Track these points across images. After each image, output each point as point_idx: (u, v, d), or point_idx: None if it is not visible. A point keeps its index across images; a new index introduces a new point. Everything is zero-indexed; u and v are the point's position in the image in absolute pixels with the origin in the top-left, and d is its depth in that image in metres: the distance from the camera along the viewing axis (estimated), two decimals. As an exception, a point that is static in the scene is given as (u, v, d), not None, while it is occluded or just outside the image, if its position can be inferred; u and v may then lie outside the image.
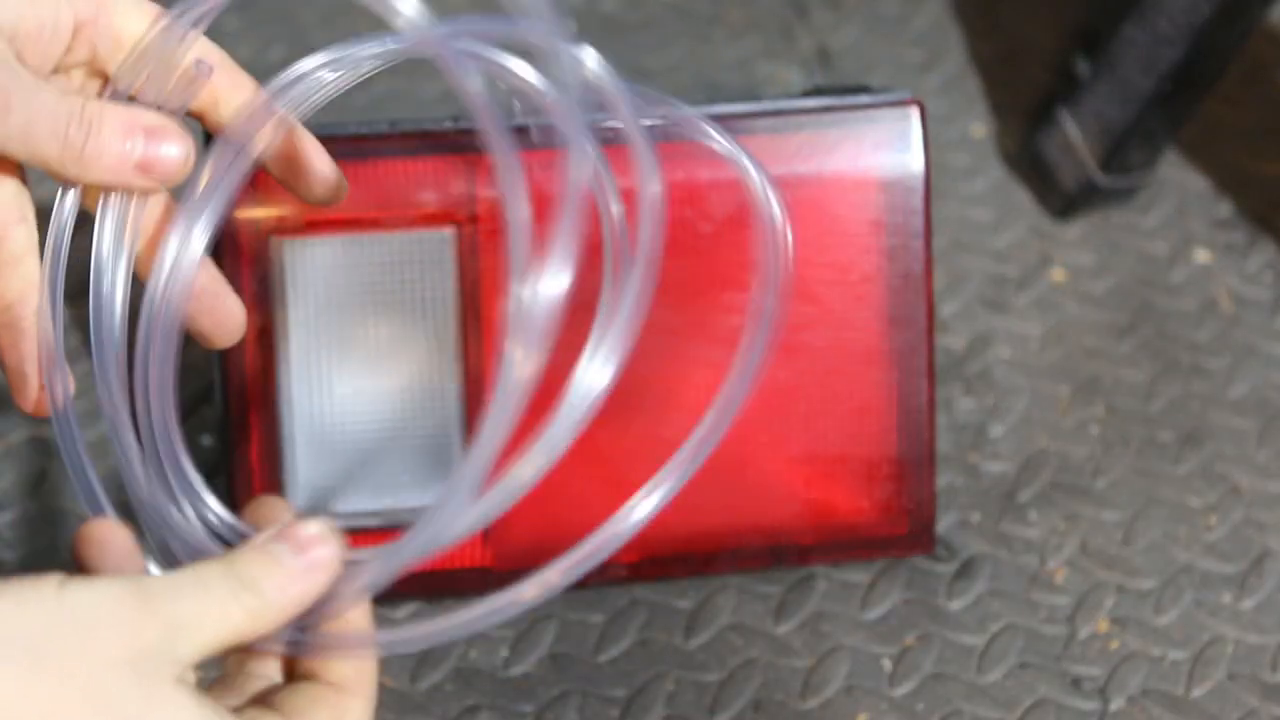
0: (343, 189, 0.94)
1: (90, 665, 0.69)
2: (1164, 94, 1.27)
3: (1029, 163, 1.35)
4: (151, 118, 0.87)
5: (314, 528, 0.78)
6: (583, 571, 0.80)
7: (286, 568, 0.77)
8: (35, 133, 0.83)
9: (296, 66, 0.93)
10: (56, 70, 0.87)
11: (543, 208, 1.08)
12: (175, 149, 0.87)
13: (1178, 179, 1.36)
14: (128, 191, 0.88)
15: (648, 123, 1.08)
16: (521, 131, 1.07)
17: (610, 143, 1.08)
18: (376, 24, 1.42)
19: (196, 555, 0.82)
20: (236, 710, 0.76)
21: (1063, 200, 1.33)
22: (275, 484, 1.08)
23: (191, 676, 0.73)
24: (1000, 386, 1.25)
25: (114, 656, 0.70)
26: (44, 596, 0.70)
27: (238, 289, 1.06)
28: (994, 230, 1.33)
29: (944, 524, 1.17)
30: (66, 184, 0.88)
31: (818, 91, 1.11)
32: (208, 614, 0.73)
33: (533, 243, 0.80)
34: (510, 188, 0.77)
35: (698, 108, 1.09)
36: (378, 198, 1.06)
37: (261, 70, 1.38)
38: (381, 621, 1.11)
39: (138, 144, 0.86)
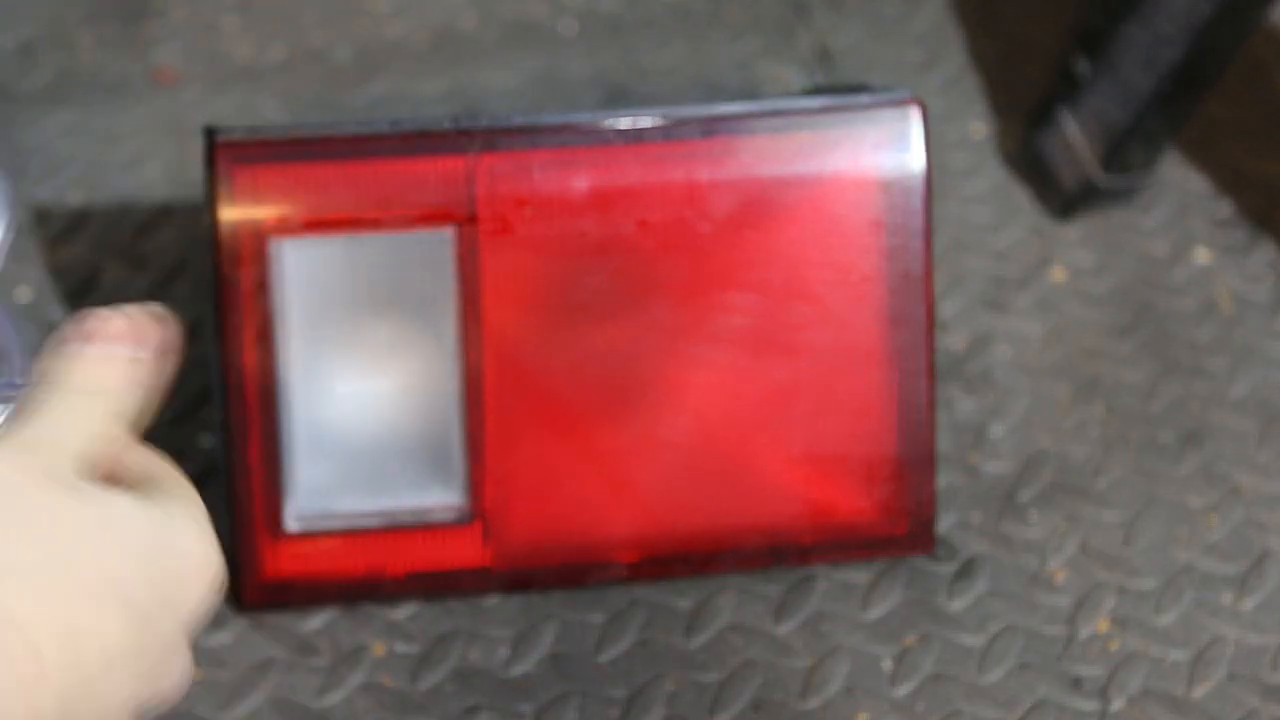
0: None
1: None
2: (1164, 94, 1.27)
3: (1029, 163, 1.35)
4: None
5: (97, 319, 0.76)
6: None
7: (85, 357, 0.76)
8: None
9: None
10: None
11: (543, 207, 1.08)
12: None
13: (1178, 179, 1.36)
14: None
15: (647, 124, 1.08)
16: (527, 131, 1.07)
17: (598, 144, 1.08)
18: (376, 25, 1.43)
19: None
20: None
21: (1063, 200, 1.33)
22: (275, 484, 1.08)
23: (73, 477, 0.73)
24: (1000, 386, 1.25)
25: None
26: None
27: (238, 289, 1.06)
28: (994, 230, 1.33)
29: (944, 524, 1.17)
30: None
31: (818, 91, 1.11)
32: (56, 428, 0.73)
33: None
34: None
35: (698, 107, 1.09)
36: (378, 198, 1.06)
37: (261, 70, 1.39)
38: (381, 619, 1.12)
39: None
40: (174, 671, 0.73)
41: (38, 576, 0.68)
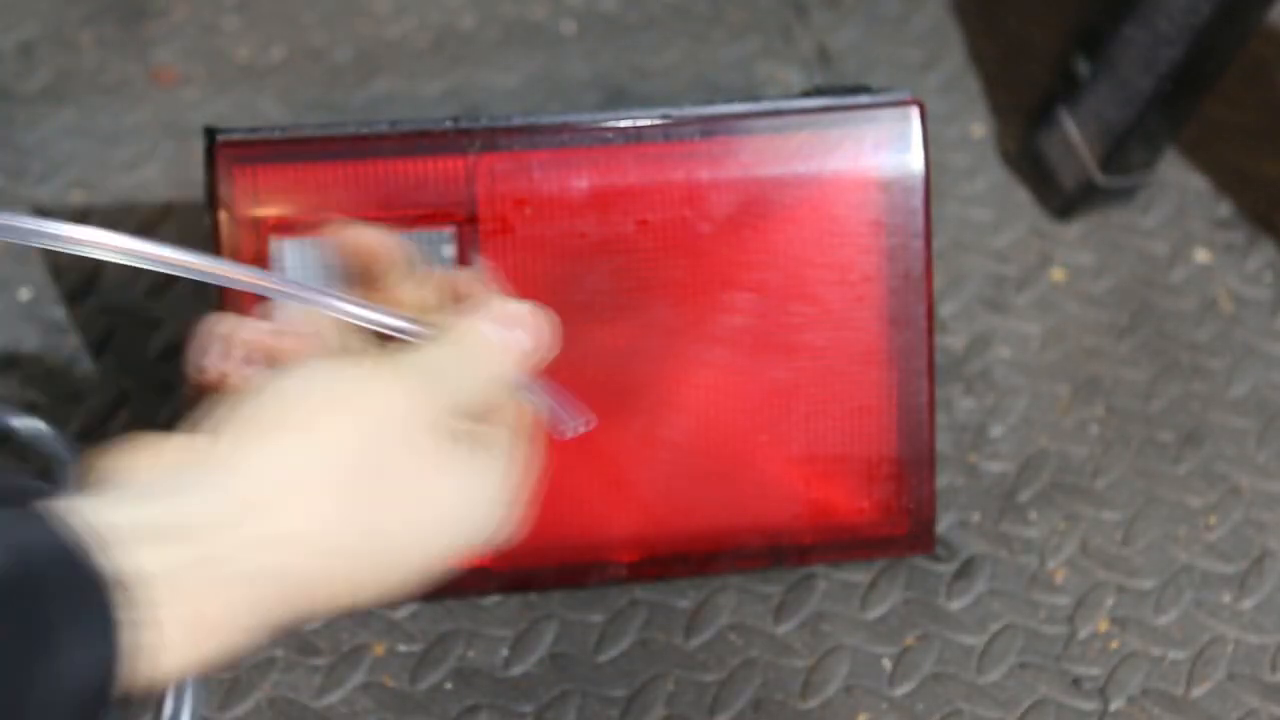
0: None
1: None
2: (1164, 94, 1.27)
3: (1029, 163, 1.35)
4: None
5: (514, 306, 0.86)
6: None
7: (493, 335, 0.85)
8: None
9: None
10: None
11: (543, 207, 1.08)
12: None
13: (1178, 179, 1.36)
14: None
15: (647, 124, 1.08)
16: (527, 131, 1.07)
17: (607, 143, 1.08)
18: (376, 25, 1.43)
19: None
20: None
21: (1063, 200, 1.33)
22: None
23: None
24: (1000, 386, 1.25)
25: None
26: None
27: (239, 289, 1.06)
28: (994, 230, 1.33)
29: (944, 524, 1.17)
30: None
31: (818, 91, 1.11)
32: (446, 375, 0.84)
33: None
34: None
35: (698, 107, 1.09)
36: (378, 198, 1.06)
37: (261, 70, 1.39)
38: (381, 619, 1.12)
39: None
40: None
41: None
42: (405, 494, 0.80)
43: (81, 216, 1.27)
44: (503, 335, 0.85)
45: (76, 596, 0.70)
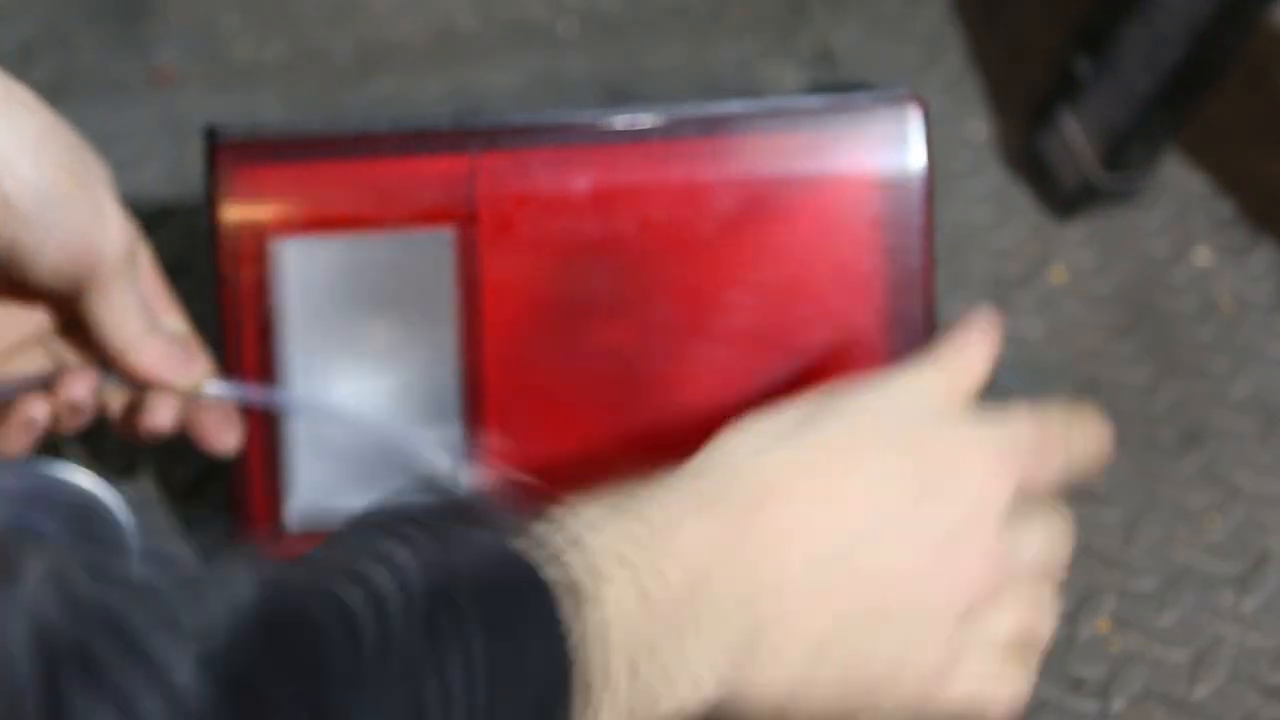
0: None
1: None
2: (1165, 94, 1.27)
3: (1029, 163, 1.35)
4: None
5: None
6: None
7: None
8: (121, 317, 0.99)
9: None
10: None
11: (543, 207, 1.08)
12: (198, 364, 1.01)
13: (1178, 179, 1.36)
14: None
15: (647, 124, 1.08)
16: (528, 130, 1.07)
17: (603, 141, 1.08)
18: (376, 25, 1.43)
19: None
20: None
21: (1063, 200, 1.33)
22: (275, 484, 1.08)
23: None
24: (1001, 386, 1.24)
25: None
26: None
27: (238, 289, 1.06)
28: (995, 230, 1.33)
29: (944, 524, 1.17)
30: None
31: (818, 91, 1.11)
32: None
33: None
34: None
35: (698, 107, 1.09)
36: (378, 197, 1.06)
37: (261, 70, 1.39)
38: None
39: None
40: None
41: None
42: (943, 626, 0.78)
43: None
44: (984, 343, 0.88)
45: (541, 599, 0.71)
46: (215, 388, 1.02)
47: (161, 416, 0.99)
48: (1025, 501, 0.85)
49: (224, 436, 1.03)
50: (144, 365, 0.98)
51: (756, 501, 0.77)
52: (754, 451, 0.80)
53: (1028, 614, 0.85)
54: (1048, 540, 0.85)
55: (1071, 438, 0.86)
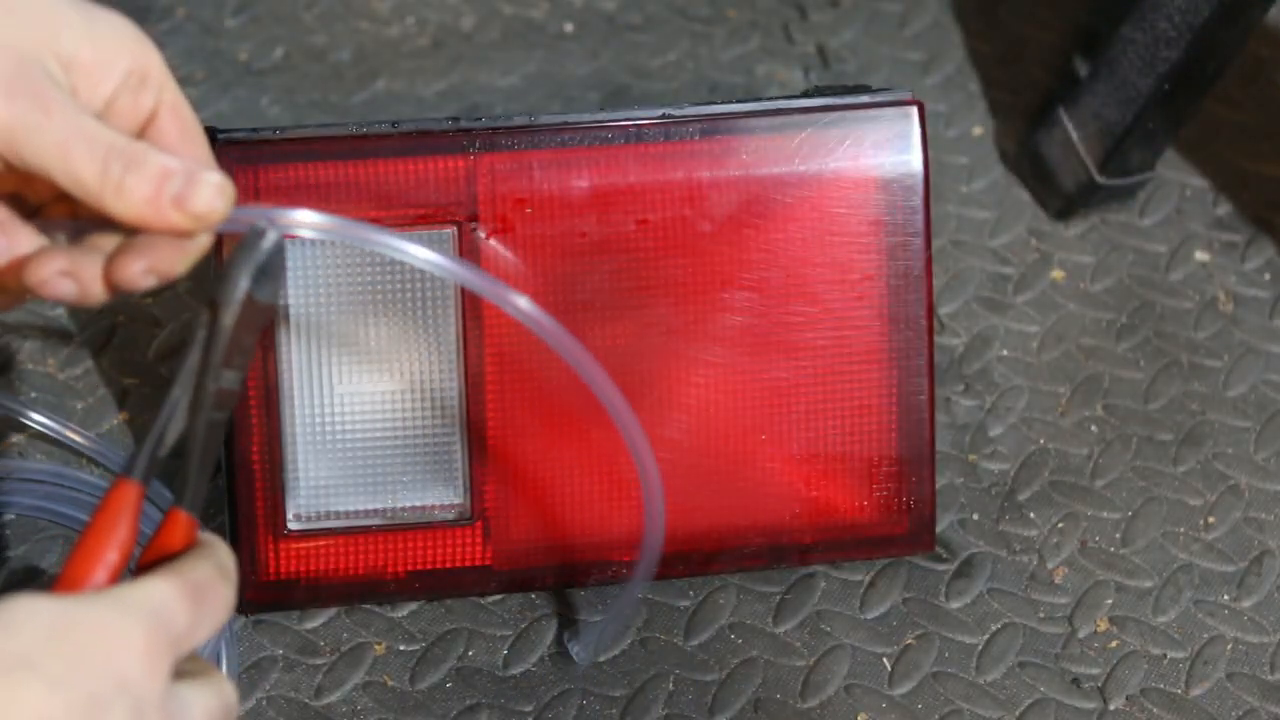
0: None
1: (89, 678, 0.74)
2: (1163, 94, 1.28)
3: (1028, 163, 1.35)
4: (192, 165, 0.87)
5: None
6: None
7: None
8: (74, 154, 0.84)
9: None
10: (101, 114, 0.88)
11: (543, 207, 1.08)
12: (214, 197, 0.86)
13: (1177, 179, 1.36)
14: (162, 233, 0.87)
15: (647, 124, 1.09)
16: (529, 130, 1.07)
17: (604, 143, 1.08)
18: (376, 25, 1.43)
19: None
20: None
21: (1062, 200, 1.33)
22: (275, 484, 1.08)
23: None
24: (1000, 386, 1.25)
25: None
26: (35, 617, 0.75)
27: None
28: (993, 230, 1.33)
29: (944, 523, 1.17)
30: (104, 219, 0.88)
31: (818, 91, 1.11)
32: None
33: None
34: None
35: (698, 107, 1.09)
36: (378, 198, 1.06)
37: (261, 70, 1.39)
38: (381, 619, 1.12)
39: (175, 183, 0.86)
40: None
41: None
42: None
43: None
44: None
45: None
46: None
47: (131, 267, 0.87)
48: (187, 660, 0.81)
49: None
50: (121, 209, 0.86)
51: None
52: None
53: None
54: (208, 714, 0.79)
55: (217, 590, 0.81)
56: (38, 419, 1.18)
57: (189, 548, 0.82)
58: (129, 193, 0.85)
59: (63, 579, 0.79)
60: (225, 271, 0.85)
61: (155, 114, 0.89)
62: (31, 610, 0.74)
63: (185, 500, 0.83)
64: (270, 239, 0.86)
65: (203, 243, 0.87)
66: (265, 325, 0.87)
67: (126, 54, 0.88)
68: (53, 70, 0.85)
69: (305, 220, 0.87)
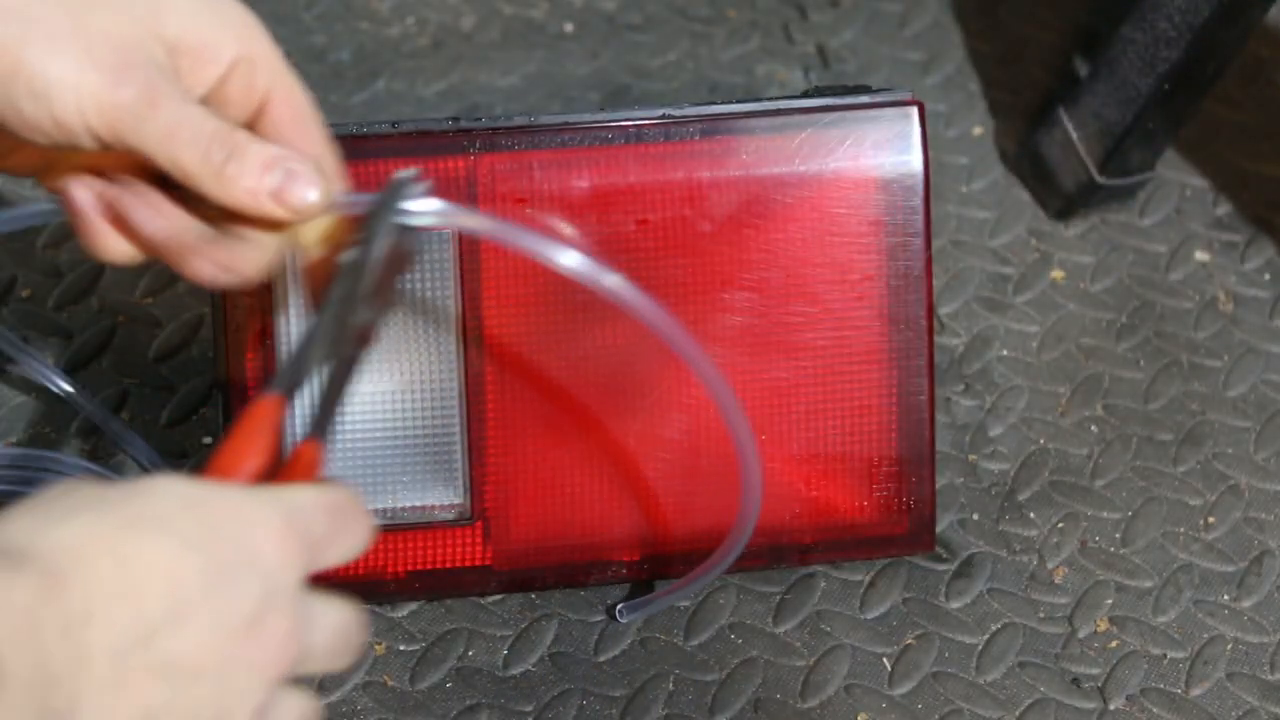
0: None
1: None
2: (1163, 94, 1.28)
3: (1028, 163, 1.35)
4: (294, 156, 0.87)
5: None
6: None
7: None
8: (178, 139, 0.85)
9: None
10: (210, 100, 0.89)
11: (543, 207, 1.08)
12: (313, 191, 0.87)
13: (1177, 179, 1.36)
14: (260, 222, 0.88)
15: (647, 124, 1.09)
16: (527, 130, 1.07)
17: (607, 143, 1.08)
18: (376, 25, 1.43)
19: None
20: None
21: (1062, 200, 1.33)
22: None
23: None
24: (1000, 386, 1.25)
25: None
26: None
27: (238, 289, 1.06)
28: (993, 230, 1.33)
29: (943, 523, 1.17)
30: (202, 201, 0.88)
31: (818, 91, 1.11)
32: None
33: None
34: None
35: (698, 107, 1.09)
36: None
37: (262, 70, 1.39)
38: (381, 618, 1.12)
39: (276, 176, 0.86)
40: None
41: None
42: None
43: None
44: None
45: None
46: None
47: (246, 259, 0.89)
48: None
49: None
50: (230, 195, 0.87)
51: (56, 575, 0.71)
52: (56, 518, 0.73)
53: (303, 699, 0.79)
54: (336, 627, 0.79)
55: (357, 515, 0.81)
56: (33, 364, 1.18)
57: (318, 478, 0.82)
58: (230, 181, 0.86)
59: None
60: (377, 206, 0.87)
61: (267, 101, 0.90)
62: (170, 484, 0.75)
63: (315, 431, 0.84)
64: (421, 186, 0.88)
65: (279, 245, 0.89)
66: (402, 272, 0.89)
67: (233, 39, 0.89)
68: (157, 55, 0.86)
69: (435, 210, 0.88)
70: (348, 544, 0.80)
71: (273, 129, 0.89)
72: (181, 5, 0.87)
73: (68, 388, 1.18)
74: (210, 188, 0.86)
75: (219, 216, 0.88)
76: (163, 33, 0.86)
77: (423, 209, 0.89)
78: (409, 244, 0.89)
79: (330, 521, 0.79)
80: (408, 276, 1.05)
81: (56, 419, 1.18)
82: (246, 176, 0.86)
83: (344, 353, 0.85)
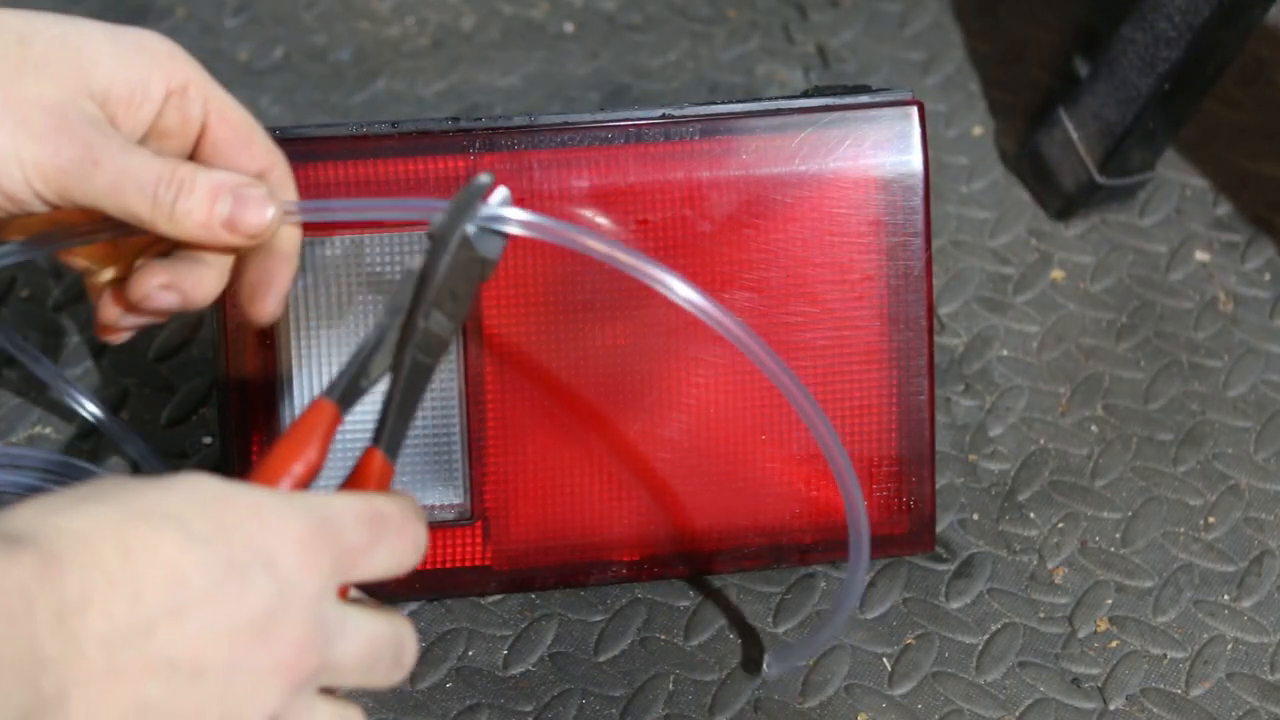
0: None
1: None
2: (1163, 94, 1.28)
3: (1028, 163, 1.35)
4: (240, 180, 0.88)
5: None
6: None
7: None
8: (125, 189, 0.86)
9: None
10: (149, 138, 0.89)
11: (543, 207, 1.08)
12: (262, 211, 0.88)
13: (1177, 179, 1.36)
14: (218, 248, 0.90)
15: (647, 124, 1.09)
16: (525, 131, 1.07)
17: (609, 143, 1.08)
18: (376, 25, 1.43)
19: None
20: None
21: (1062, 200, 1.33)
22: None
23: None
24: (1000, 386, 1.25)
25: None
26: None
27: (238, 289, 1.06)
28: (993, 230, 1.33)
29: (944, 523, 1.17)
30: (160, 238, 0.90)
31: (818, 91, 1.11)
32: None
33: None
34: None
35: (698, 107, 1.09)
36: (378, 198, 1.06)
37: (261, 70, 1.39)
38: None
39: (225, 204, 0.87)
40: None
41: None
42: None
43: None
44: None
45: None
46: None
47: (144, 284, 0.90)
48: (356, 596, 0.80)
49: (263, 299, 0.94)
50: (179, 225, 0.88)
51: (55, 558, 0.70)
52: (64, 505, 0.72)
53: (337, 710, 0.79)
54: (371, 641, 0.78)
55: (402, 527, 0.80)
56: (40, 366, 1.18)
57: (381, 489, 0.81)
58: (182, 218, 0.88)
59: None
60: (448, 212, 0.87)
61: (205, 125, 0.90)
62: (195, 480, 0.75)
63: (382, 442, 0.83)
64: (500, 194, 0.88)
65: (226, 265, 0.91)
66: (482, 280, 0.88)
67: (160, 77, 0.89)
68: (90, 111, 0.87)
69: (513, 218, 0.89)
70: (390, 556, 0.79)
71: (215, 150, 0.90)
72: (104, 56, 0.88)
73: (93, 407, 1.17)
74: (165, 229, 0.88)
75: (175, 245, 0.89)
76: (91, 87, 0.87)
77: (496, 214, 0.88)
78: (488, 251, 0.88)
79: (369, 532, 0.78)
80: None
81: (56, 419, 1.18)
82: (197, 211, 0.87)
83: (412, 361, 0.84)
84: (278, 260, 0.92)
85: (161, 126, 0.89)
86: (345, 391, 0.83)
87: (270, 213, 0.88)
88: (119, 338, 0.95)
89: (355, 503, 0.78)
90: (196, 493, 0.74)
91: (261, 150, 0.91)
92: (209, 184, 0.87)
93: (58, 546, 0.70)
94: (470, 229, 0.87)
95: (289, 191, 0.93)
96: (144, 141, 0.89)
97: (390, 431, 0.83)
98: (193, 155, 0.91)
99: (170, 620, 0.71)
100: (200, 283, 0.91)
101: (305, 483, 0.80)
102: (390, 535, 0.79)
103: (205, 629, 0.72)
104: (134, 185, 0.86)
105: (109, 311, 0.93)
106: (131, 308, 0.92)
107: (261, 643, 0.73)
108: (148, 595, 0.71)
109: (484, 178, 0.89)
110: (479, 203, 0.88)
